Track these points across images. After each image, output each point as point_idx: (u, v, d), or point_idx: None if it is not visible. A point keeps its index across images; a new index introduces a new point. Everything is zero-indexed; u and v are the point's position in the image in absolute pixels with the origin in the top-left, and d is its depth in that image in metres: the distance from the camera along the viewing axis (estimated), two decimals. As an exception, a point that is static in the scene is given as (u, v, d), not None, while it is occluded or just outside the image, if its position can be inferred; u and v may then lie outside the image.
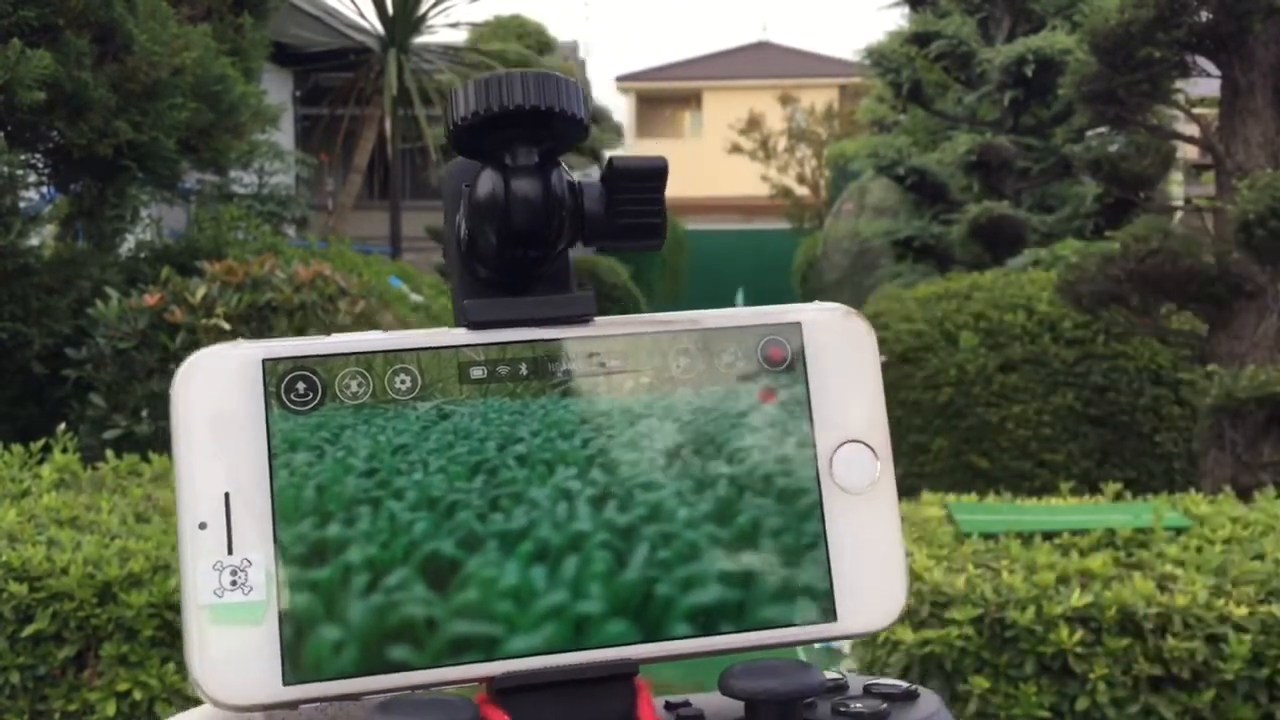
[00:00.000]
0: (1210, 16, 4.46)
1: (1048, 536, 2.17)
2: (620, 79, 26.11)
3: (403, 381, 0.36)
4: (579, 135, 0.38)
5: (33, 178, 3.77)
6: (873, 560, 0.37)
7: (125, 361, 3.08)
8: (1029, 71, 8.92)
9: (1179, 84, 4.85)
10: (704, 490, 0.36)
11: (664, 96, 26.33)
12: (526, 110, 0.35)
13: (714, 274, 17.08)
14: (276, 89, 8.55)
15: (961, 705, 1.83)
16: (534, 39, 14.45)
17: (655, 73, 26.27)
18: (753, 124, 20.33)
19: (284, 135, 9.61)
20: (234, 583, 0.34)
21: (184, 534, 0.34)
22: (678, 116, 26.67)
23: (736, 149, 20.42)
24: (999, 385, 5.76)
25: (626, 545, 0.36)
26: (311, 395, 0.35)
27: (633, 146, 23.81)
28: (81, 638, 1.87)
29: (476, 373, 0.36)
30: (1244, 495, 3.13)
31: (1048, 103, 9.43)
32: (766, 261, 15.22)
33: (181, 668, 1.91)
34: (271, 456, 0.35)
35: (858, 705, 0.33)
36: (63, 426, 2.62)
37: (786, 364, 0.38)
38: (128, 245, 4.22)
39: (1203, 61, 4.72)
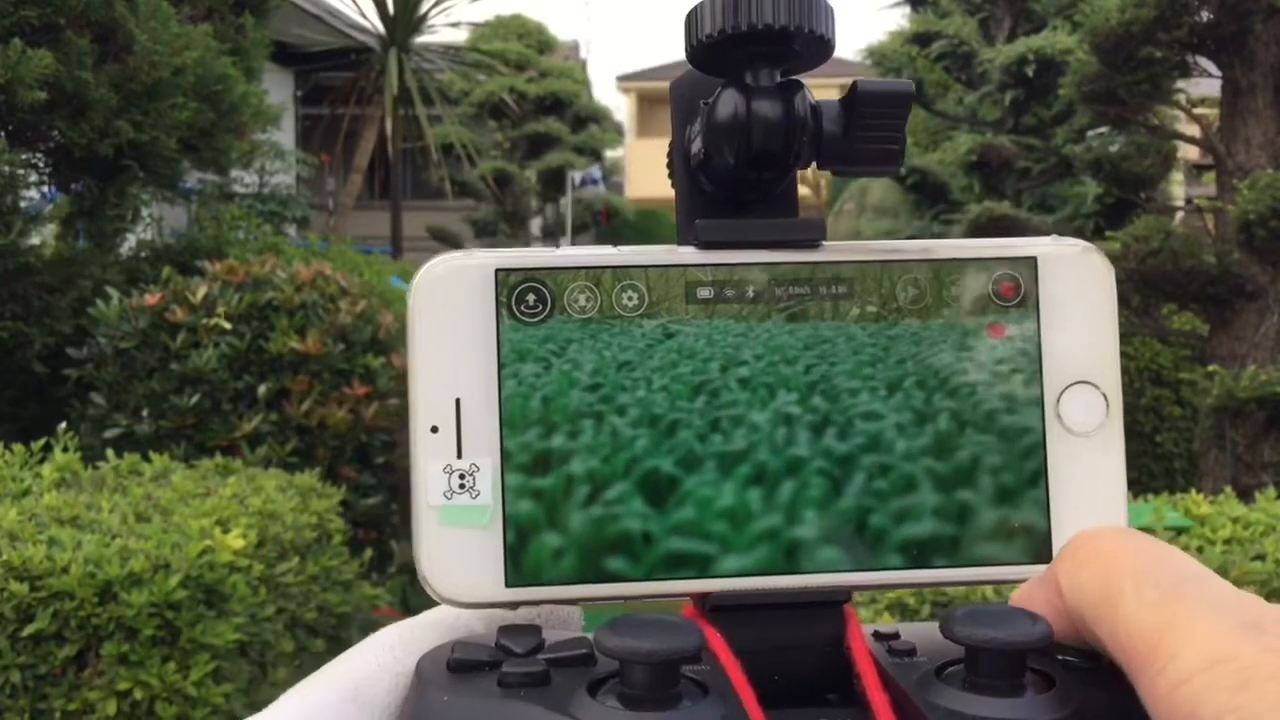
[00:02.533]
0: (1211, 17, 4.46)
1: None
2: (621, 78, 26.10)
3: (630, 298, 0.36)
4: (825, 56, 0.37)
5: (34, 177, 3.77)
6: (1094, 504, 0.36)
7: (126, 361, 3.08)
8: (1030, 71, 8.92)
9: (1180, 84, 4.85)
10: (924, 423, 0.36)
11: (665, 96, 26.28)
12: (776, 30, 0.35)
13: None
14: (277, 89, 8.55)
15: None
16: (534, 38, 14.44)
17: (656, 72, 26.27)
18: (753, 124, 20.32)
19: (285, 135, 9.61)
20: (462, 486, 0.35)
21: (416, 437, 0.35)
22: (678, 116, 26.61)
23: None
24: (1000, 385, 5.76)
25: (843, 473, 0.35)
26: (541, 307, 0.35)
27: (633, 146, 23.79)
28: (82, 637, 1.87)
29: (703, 292, 0.36)
30: (1245, 495, 3.12)
31: (1048, 103, 9.43)
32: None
33: (180, 667, 1.91)
34: (500, 365, 0.35)
35: (1074, 656, 0.32)
36: (63, 426, 2.63)
37: (1018, 299, 0.37)
38: (129, 245, 4.22)
39: (1204, 62, 4.72)
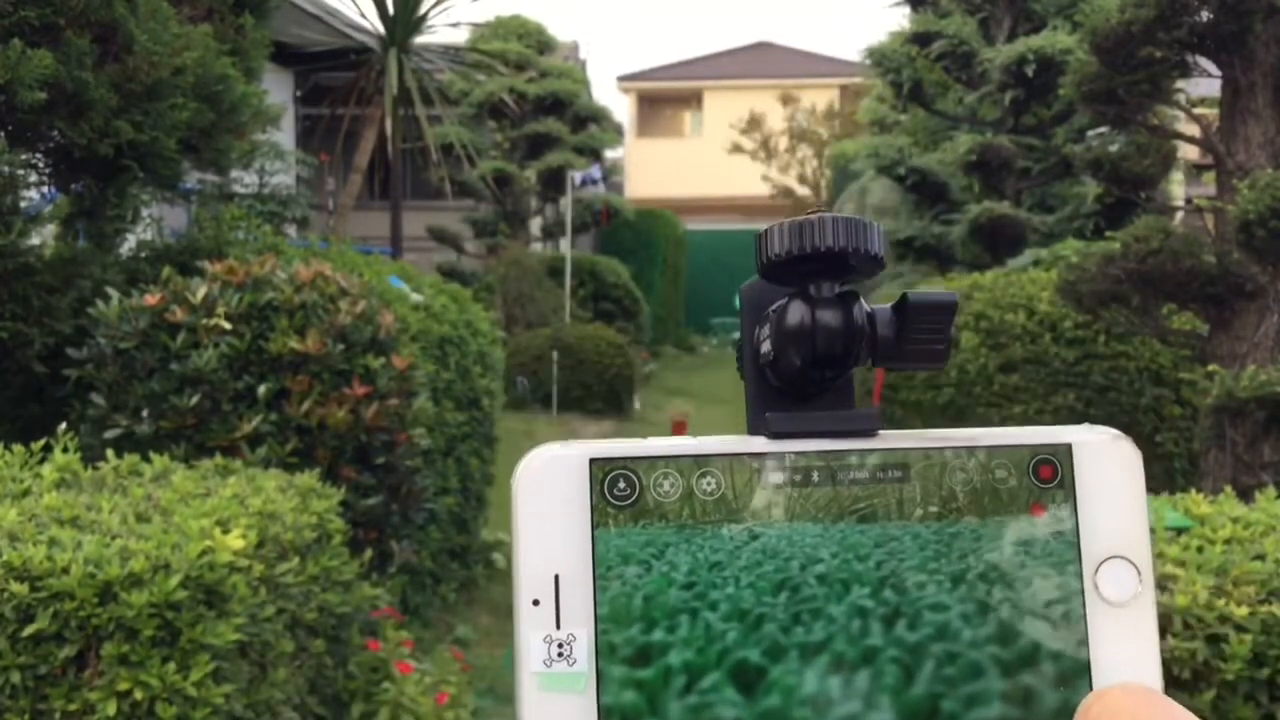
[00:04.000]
0: (1211, 16, 4.46)
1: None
2: (621, 79, 26.11)
3: (708, 483, 0.40)
4: (877, 269, 0.41)
5: (33, 177, 3.77)
6: (1130, 668, 0.40)
7: (126, 361, 3.08)
8: (1030, 71, 8.92)
9: (1179, 84, 4.85)
10: (985, 613, 0.40)
11: (665, 96, 26.32)
12: (836, 251, 0.40)
13: (714, 274, 17.08)
14: (277, 89, 8.55)
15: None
16: (534, 39, 14.44)
17: (656, 72, 26.27)
18: (753, 124, 20.34)
19: (285, 135, 9.61)
20: (560, 654, 0.39)
21: (519, 609, 0.39)
22: (678, 116, 26.66)
23: (737, 149, 20.43)
24: (1000, 385, 5.76)
25: (914, 661, 0.39)
26: (630, 491, 0.40)
27: (633, 146, 23.79)
28: (82, 637, 1.87)
29: (774, 479, 0.40)
30: (1245, 495, 3.12)
31: (1048, 103, 9.43)
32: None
33: (181, 667, 1.91)
34: (594, 545, 0.39)
35: None
36: (63, 426, 2.62)
37: (1056, 482, 0.41)
38: (128, 245, 4.22)
39: (1204, 61, 4.72)
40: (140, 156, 3.62)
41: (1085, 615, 0.40)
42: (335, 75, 11.93)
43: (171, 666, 1.88)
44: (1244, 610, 1.87)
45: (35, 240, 3.64)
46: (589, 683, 0.38)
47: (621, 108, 25.77)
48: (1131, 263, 4.39)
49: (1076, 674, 0.39)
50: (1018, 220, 8.67)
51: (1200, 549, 2.09)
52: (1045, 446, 0.41)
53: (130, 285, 3.48)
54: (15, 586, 1.83)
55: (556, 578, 0.39)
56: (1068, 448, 0.41)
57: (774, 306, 0.42)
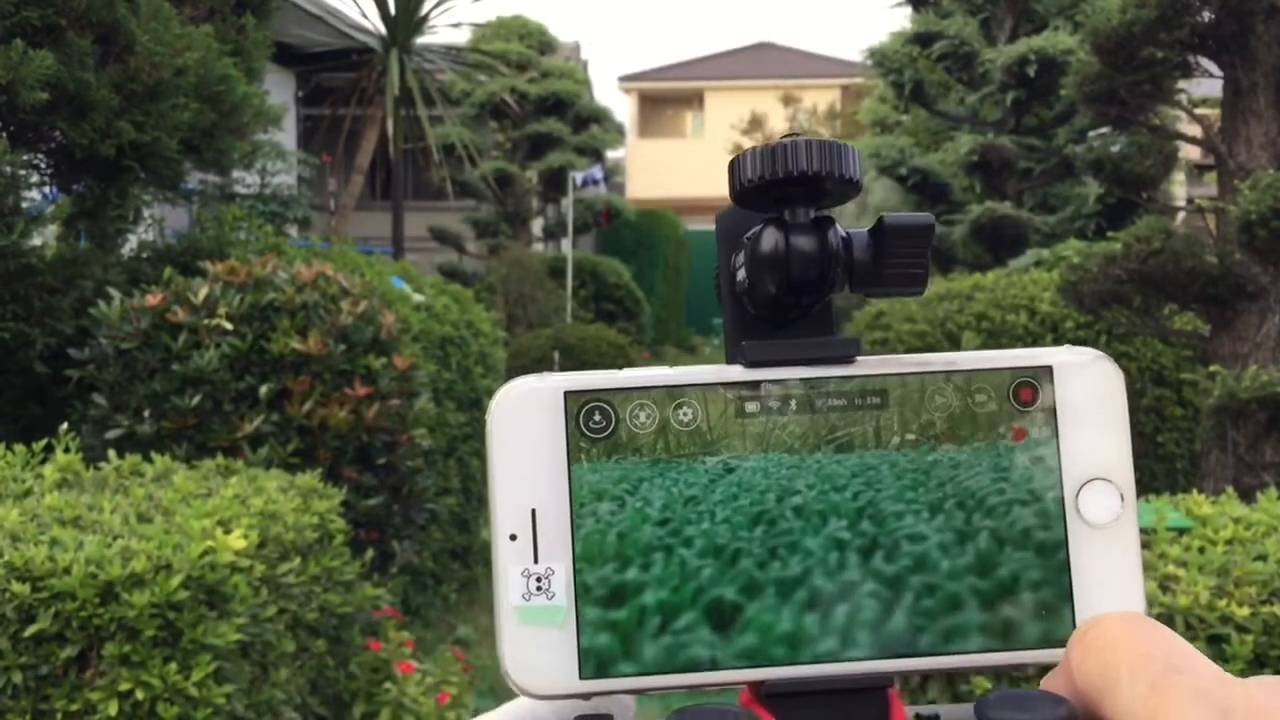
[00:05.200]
0: (1212, 17, 4.45)
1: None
2: (623, 79, 26.11)
3: (684, 414, 0.40)
4: (854, 193, 0.41)
5: (35, 178, 3.77)
6: (1114, 591, 0.40)
7: (128, 361, 3.08)
8: (1031, 72, 8.91)
9: (1181, 84, 4.84)
10: (959, 520, 0.40)
11: (666, 96, 26.32)
12: (810, 174, 0.39)
13: (714, 274, 17.06)
14: (279, 89, 8.55)
15: (963, 706, 1.83)
16: (536, 39, 14.44)
17: (657, 73, 26.27)
18: (755, 124, 20.33)
19: (286, 135, 9.61)
20: (539, 588, 0.39)
21: (497, 544, 0.39)
22: (680, 116, 26.66)
23: (738, 149, 20.40)
24: (1001, 386, 5.76)
25: (893, 594, 0.39)
26: (606, 423, 0.40)
27: (634, 146, 23.79)
28: (84, 637, 1.87)
29: (751, 407, 0.40)
30: (1246, 496, 3.12)
31: (1050, 103, 9.42)
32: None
33: (182, 668, 1.91)
34: (571, 478, 0.39)
35: None
36: (65, 426, 2.63)
37: (1037, 404, 0.41)
38: (130, 245, 4.22)
39: (1205, 62, 4.71)
40: (142, 157, 3.62)
41: (1067, 539, 0.40)
42: (337, 76, 11.93)
43: (173, 667, 1.88)
44: (1245, 611, 1.87)
45: (37, 241, 3.64)
46: (568, 616, 0.38)
47: (623, 108, 25.79)
48: (1133, 263, 4.39)
49: (1059, 601, 0.39)
50: (1019, 221, 8.66)
51: (1202, 549, 2.09)
52: (1026, 369, 0.41)
53: (132, 286, 3.48)
54: (17, 586, 1.83)
55: (533, 512, 0.39)
56: (1048, 369, 0.41)
57: (749, 234, 0.41)
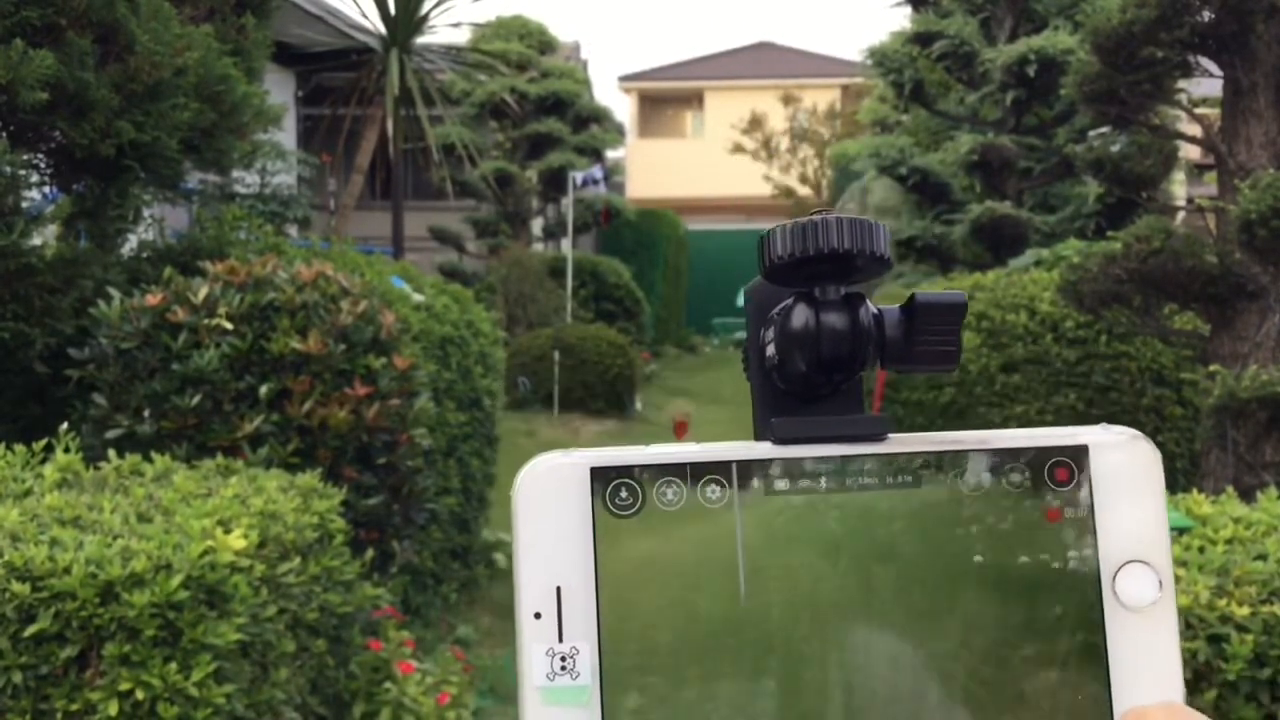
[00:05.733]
0: (1212, 16, 4.45)
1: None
2: (623, 79, 26.10)
3: (713, 491, 0.39)
4: (884, 270, 0.40)
5: (35, 178, 3.77)
6: (1151, 677, 0.39)
7: (128, 361, 3.08)
8: (1031, 71, 8.91)
9: (1181, 84, 4.84)
10: (1003, 611, 0.39)
11: (666, 96, 26.32)
12: (841, 253, 0.38)
13: (715, 274, 17.07)
14: (279, 89, 8.55)
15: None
16: (536, 39, 14.44)
17: (657, 73, 26.27)
18: (755, 124, 20.33)
19: (286, 135, 9.62)
20: (564, 668, 0.38)
21: (521, 621, 0.38)
22: (680, 116, 26.65)
23: (738, 149, 20.42)
24: (1001, 385, 5.76)
25: (925, 682, 0.38)
26: (632, 501, 0.39)
27: (634, 146, 23.79)
28: (84, 637, 1.87)
29: (780, 484, 0.39)
30: (1246, 495, 3.12)
31: (1050, 103, 9.42)
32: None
33: (182, 667, 1.91)
34: (597, 557, 0.38)
35: None
36: (65, 426, 2.63)
37: (1073, 484, 0.40)
38: (130, 245, 4.22)
39: (1205, 61, 4.71)
40: (142, 157, 3.62)
41: (1104, 623, 0.39)
42: (337, 75, 11.93)
43: (173, 666, 1.88)
44: (1245, 610, 1.87)
45: (37, 240, 3.64)
46: (593, 696, 0.37)
47: (623, 108, 25.78)
48: (1133, 263, 4.39)
49: (1095, 687, 0.38)
50: (1019, 220, 8.66)
51: (1202, 549, 2.09)
52: (1061, 449, 0.40)
53: (132, 285, 3.48)
54: (17, 586, 1.83)
55: (558, 590, 0.38)
56: (1084, 449, 0.40)
57: (778, 309, 0.41)
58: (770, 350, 0.41)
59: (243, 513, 2.22)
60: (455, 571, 4.82)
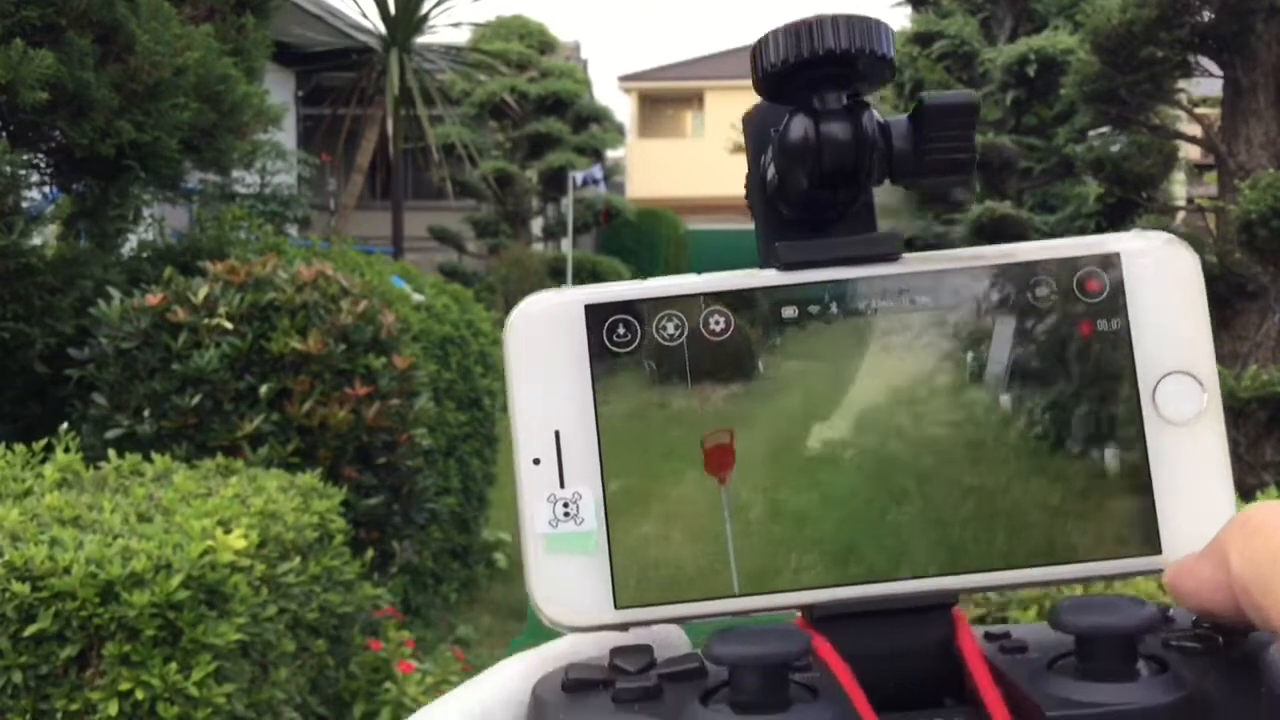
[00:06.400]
0: (1212, 16, 4.45)
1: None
2: (623, 79, 26.11)
3: (716, 322, 0.37)
4: (887, 75, 0.37)
5: (35, 177, 3.77)
6: (1198, 492, 0.36)
7: (128, 361, 3.07)
8: (1031, 71, 8.91)
9: (1181, 84, 4.84)
10: (1026, 427, 0.36)
11: (666, 96, 26.31)
12: (839, 53, 0.35)
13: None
14: (279, 89, 8.55)
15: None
16: (536, 39, 14.45)
17: (658, 72, 26.26)
18: (755, 124, 20.30)
19: (286, 135, 9.61)
20: (566, 514, 0.36)
21: (520, 469, 0.36)
22: (680, 116, 26.65)
23: (739, 149, 20.40)
24: (1001, 385, 5.76)
25: (954, 506, 0.36)
26: (631, 337, 0.37)
27: (634, 146, 23.79)
28: (84, 637, 1.87)
29: (788, 313, 0.37)
30: (1246, 496, 3.12)
31: (1050, 103, 9.42)
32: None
33: (182, 667, 1.91)
34: (596, 397, 0.36)
35: (1188, 640, 0.32)
36: (65, 426, 2.63)
37: (1105, 295, 0.37)
38: (130, 245, 4.22)
39: (1205, 61, 4.71)
40: (142, 156, 3.62)
41: (1145, 436, 0.36)
42: (337, 75, 11.93)
43: (173, 666, 1.88)
44: (1245, 610, 1.87)
45: (37, 240, 3.65)
46: (599, 542, 0.36)
47: (623, 108, 25.79)
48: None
49: (1139, 506, 0.36)
50: (1019, 220, 8.66)
51: (1202, 549, 2.09)
52: (1091, 258, 0.37)
53: (132, 285, 3.48)
54: (17, 586, 1.83)
55: (557, 434, 0.36)
56: (1116, 257, 0.37)
57: (778, 126, 0.38)
58: (771, 173, 0.39)
59: (243, 513, 2.22)
60: (455, 571, 4.82)
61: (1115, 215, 8.25)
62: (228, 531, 2.10)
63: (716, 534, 0.36)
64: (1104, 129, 7.47)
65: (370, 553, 2.90)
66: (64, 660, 1.85)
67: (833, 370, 0.37)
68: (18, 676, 1.83)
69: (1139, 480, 0.36)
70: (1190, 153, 7.00)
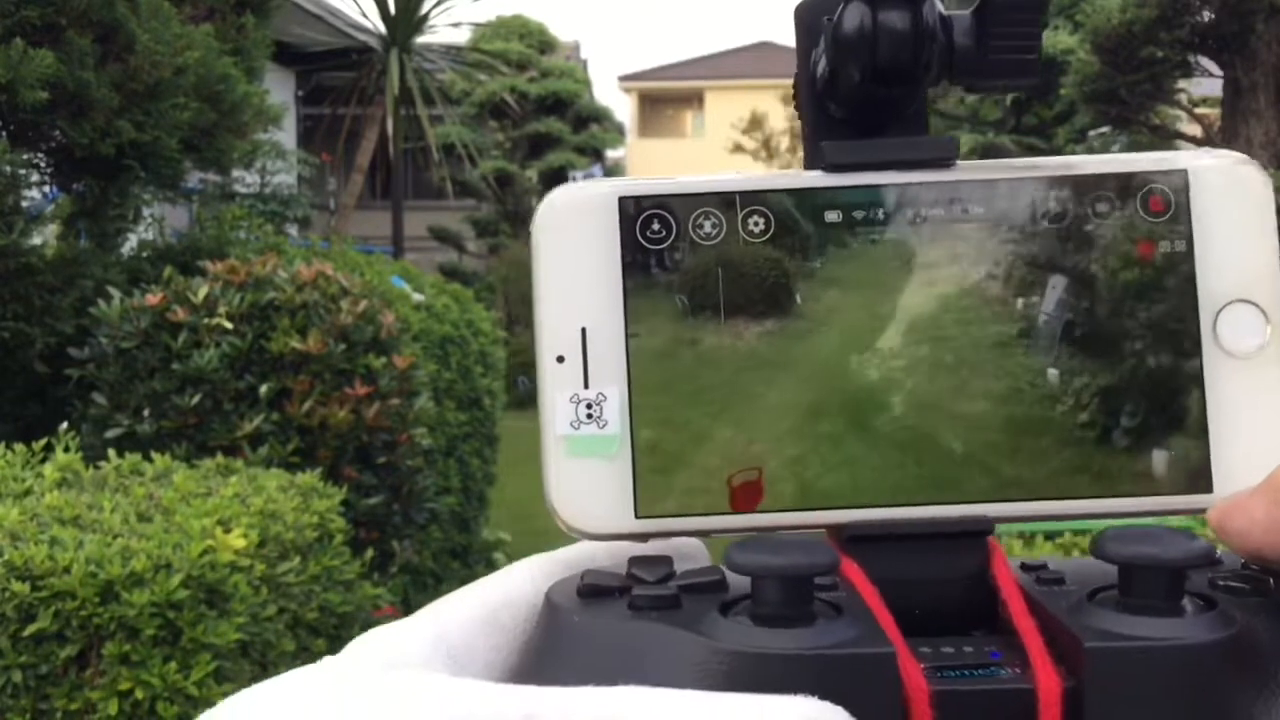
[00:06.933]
0: (1212, 16, 4.46)
1: (1049, 536, 2.17)
2: (623, 78, 26.12)
3: (755, 223, 0.35)
4: None
5: (35, 177, 3.77)
6: (1255, 429, 0.34)
7: (128, 361, 3.08)
8: (1031, 71, 8.92)
9: (1181, 84, 4.85)
10: (1075, 349, 0.34)
11: (666, 96, 26.33)
12: None
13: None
14: (279, 88, 8.55)
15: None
16: (536, 38, 14.45)
17: (658, 72, 26.28)
18: (755, 123, 20.34)
19: (286, 135, 9.61)
20: (589, 415, 0.34)
21: (542, 367, 0.35)
22: (680, 116, 26.67)
23: (739, 148, 20.44)
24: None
25: (995, 430, 0.34)
26: (665, 233, 0.35)
27: (634, 146, 23.80)
28: (83, 637, 1.87)
29: (831, 216, 0.35)
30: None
31: (1050, 102, 9.43)
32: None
33: (182, 667, 1.91)
34: (626, 294, 0.35)
35: (1237, 580, 0.31)
36: (65, 425, 2.63)
37: (1169, 215, 0.35)
38: (130, 245, 4.22)
39: (1205, 61, 4.72)
40: (142, 156, 3.62)
41: (1203, 366, 0.34)
42: (337, 75, 11.93)
43: (173, 666, 1.88)
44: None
45: (37, 240, 3.65)
46: (622, 446, 0.34)
47: (623, 107, 25.80)
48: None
49: (1193, 440, 0.34)
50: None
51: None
52: (1155, 174, 0.35)
53: (132, 285, 3.48)
54: (17, 586, 1.83)
55: (583, 331, 0.34)
56: (1182, 174, 0.35)
57: (832, 15, 0.35)
58: (822, 67, 0.36)
59: (243, 512, 2.22)
60: (455, 571, 4.82)
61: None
62: (228, 531, 2.10)
63: (745, 443, 0.34)
64: (1104, 129, 7.48)
65: (370, 552, 2.90)
66: (64, 660, 1.86)
67: (876, 284, 0.35)
68: (17, 676, 1.83)
69: (1194, 414, 0.34)
70: (1190, 153, 7.01)
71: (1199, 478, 0.34)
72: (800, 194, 0.35)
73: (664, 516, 0.34)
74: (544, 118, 13.68)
